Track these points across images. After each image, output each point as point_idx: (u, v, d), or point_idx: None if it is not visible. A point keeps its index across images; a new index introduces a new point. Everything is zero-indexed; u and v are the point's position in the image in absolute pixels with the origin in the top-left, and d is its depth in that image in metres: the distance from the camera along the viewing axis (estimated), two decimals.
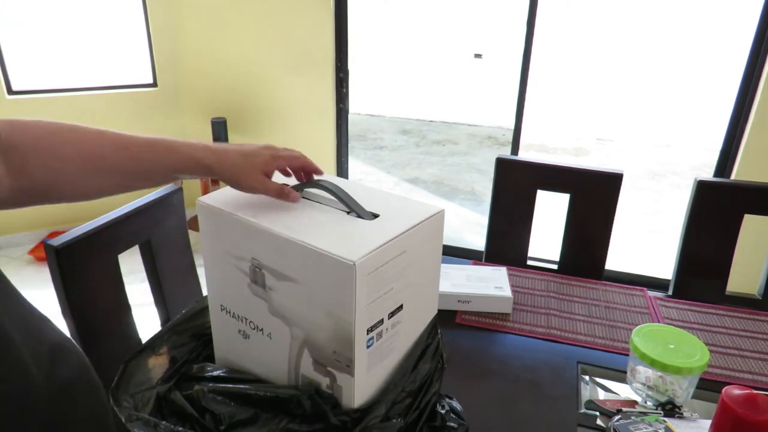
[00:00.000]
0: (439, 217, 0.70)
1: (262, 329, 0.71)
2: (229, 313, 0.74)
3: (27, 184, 0.62)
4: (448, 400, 0.77)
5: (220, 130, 3.05)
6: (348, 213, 0.69)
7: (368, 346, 0.64)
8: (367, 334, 0.63)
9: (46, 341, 0.60)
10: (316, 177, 0.75)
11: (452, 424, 0.72)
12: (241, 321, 0.73)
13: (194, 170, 0.70)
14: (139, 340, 1.20)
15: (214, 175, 0.70)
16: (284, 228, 0.63)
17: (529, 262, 1.58)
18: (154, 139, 0.69)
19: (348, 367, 0.63)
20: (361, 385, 0.65)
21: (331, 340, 0.64)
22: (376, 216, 0.68)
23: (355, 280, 0.58)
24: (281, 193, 0.70)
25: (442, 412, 0.73)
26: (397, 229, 0.64)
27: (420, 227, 0.67)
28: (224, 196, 0.72)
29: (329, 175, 0.78)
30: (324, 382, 0.67)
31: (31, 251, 2.99)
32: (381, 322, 0.65)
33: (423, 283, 0.72)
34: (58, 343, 0.62)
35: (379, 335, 0.65)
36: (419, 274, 0.70)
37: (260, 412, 0.67)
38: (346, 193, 0.70)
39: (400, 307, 0.68)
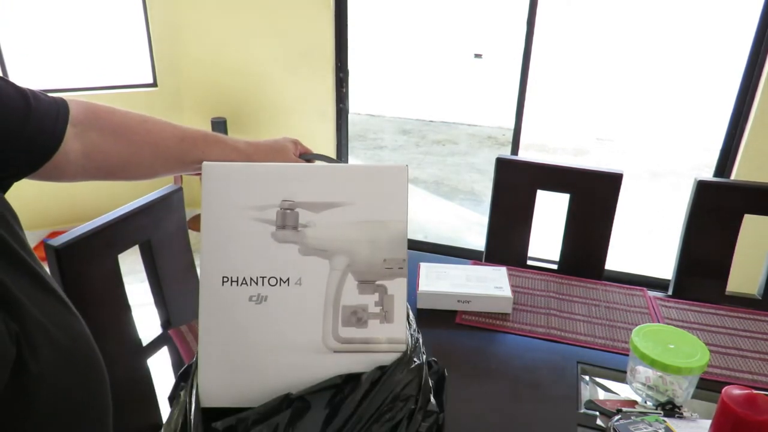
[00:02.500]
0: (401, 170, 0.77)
1: (288, 279, 0.69)
2: (237, 282, 0.68)
3: (98, 164, 0.72)
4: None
5: (220, 130, 3.05)
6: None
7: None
8: None
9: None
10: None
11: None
12: (256, 283, 0.68)
13: (237, 159, 0.83)
14: (139, 340, 1.20)
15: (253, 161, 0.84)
16: (313, 167, 0.73)
17: (529, 262, 1.58)
18: (206, 133, 0.82)
19: (401, 269, 0.69)
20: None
21: (381, 250, 0.69)
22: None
23: (407, 181, 0.69)
24: None
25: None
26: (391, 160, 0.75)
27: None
28: (228, 164, 0.74)
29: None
30: (371, 300, 0.70)
31: None
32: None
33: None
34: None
35: None
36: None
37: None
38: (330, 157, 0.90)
39: None
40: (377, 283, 0.70)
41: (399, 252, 0.69)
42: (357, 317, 0.70)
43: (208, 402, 0.67)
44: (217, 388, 0.68)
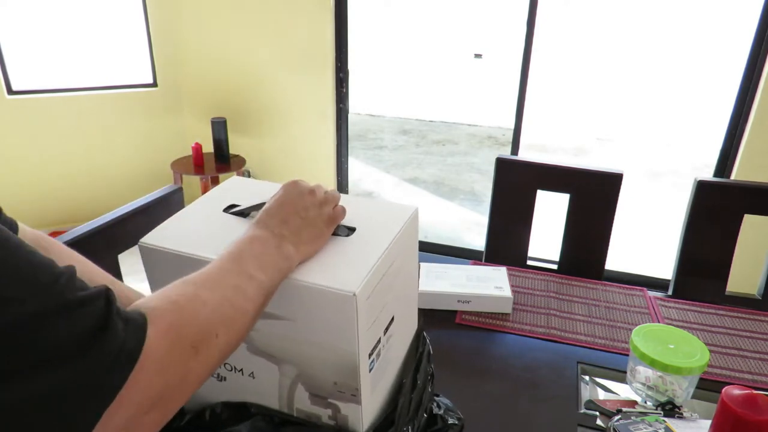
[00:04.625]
0: (414, 216, 0.68)
1: (241, 369, 0.66)
2: None
3: None
4: (436, 398, 0.77)
5: (220, 130, 3.05)
6: None
7: (370, 370, 0.62)
8: (369, 358, 0.61)
9: None
10: None
11: (452, 421, 0.72)
12: None
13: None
14: None
15: None
16: None
17: (529, 262, 1.58)
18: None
19: (354, 396, 0.60)
20: (368, 410, 0.63)
21: (331, 373, 0.61)
22: (352, 230, 0.64)
23: (356, 310, 0.55)
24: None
25: (440, 412, 0.73)
26: (382, 243, 0.61)
27: (401, 234, 0.64)
28: (169, 230, 0.65)
29: (272, 185, 0.72)
30: (325, 414, 0.64)
31: None
32: (379, 341, 0.62)
33: (407, 287, 0.70)
34: None
35: (378, 355, 0.63)
36: (403, 280, 0.68)
37: None
38: None
39: (392, 320, 0.66)
40: (329, 400, 0.62)
41: (351, 380, 0.59)
42: (312, 422, 0.65)
43: None
44: None
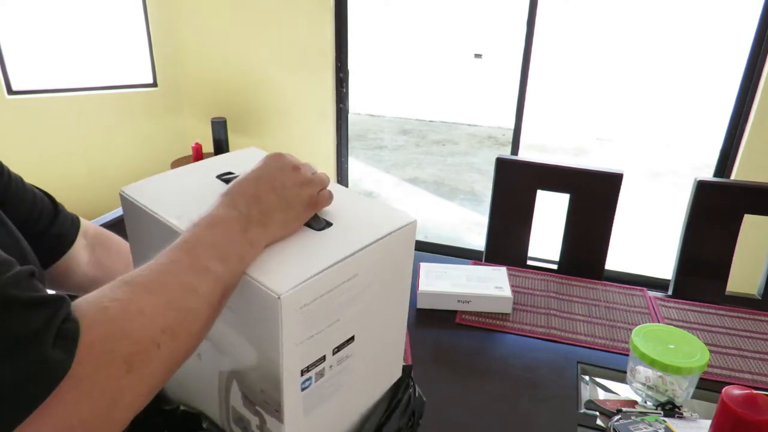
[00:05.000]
0: (408, 229, 0.57)
1: None
2: None
3: (102, 275, 0.76)
4: None
5: (220, 130, 3.04)
6: None
7: (304, 388, 0.53)
8: (302, 375, 0.52)
9: None
10: None
11: None
12: None
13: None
14: None
15: None
16: None
17: (529, 262, 1.58)
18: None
19: (277, 412, 0.52)
20: (295, 431, 0.55)
21: (258, 378, 0.53)
22: (329, 224, 0.56)
23: (280, 316, 0.47)
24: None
25: None
26: (346, 248, 0.51)
27: (380, 243, 0.54)
28: (152, 185, 0.61)
29: None
30: (254, 421, 0.56)
31: None
32: (322, 359, 0.53)
33: (386, 306, 0.60)
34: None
35: (320, 374, 0.54)
36: (380, 297, 0.58)
37: None
38: None
39: (351, 339, 0.56)
40: (258, 408, 0.55)
41: (275, 392, 0.51)
42: (243, 425, 0.59)
43: None
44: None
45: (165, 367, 0.43)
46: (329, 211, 0.57)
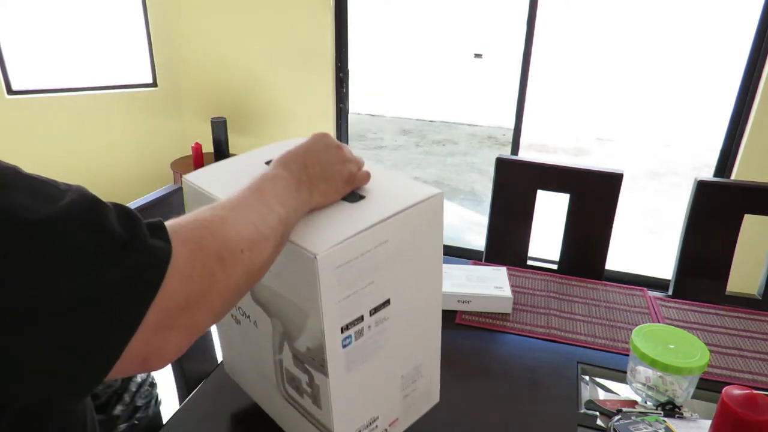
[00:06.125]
0: (435, 201, 0.62)
1: (249, 315, 0.69)
2: None
3: None
4: None
5: (220, 130, 3.04)
6: None
7: (345, 346, 0.58)
8: (342, 332, 0.57)
9: None
10: None
11: None
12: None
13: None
14: None
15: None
16: None
17: (529, 262, 1.58)
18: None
19: (322, 367, 0.58)
20: (340, 386, 0.60)
21: (305, 337, 0.59)
22: (362, 197, 0.62)
23: (318, 275, 0.52)
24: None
25: None
26: (376, 216, 0.57)
27: (408, 213, 0.60)
28: (210, 173, 0.70)
29: None
30: (303, 379, 0.63)
31: None
32: (360, 319, 0.59)
33: (419, 274, 0.66)
34: None
35: (359, 333, 0.59)
36: (412, 265, 0.63)
37: None
38: None
39: (387, 302, 0.62)
40: (306, 365, 0.61)
41: (318, 349, 0.57)
42: (295, 385, 0.65)
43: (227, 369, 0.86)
44: (228, 364, 0.86)
45: (246, 271, 0.48)
46: (368, 185, 0.64)
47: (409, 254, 0.62)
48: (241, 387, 0.83)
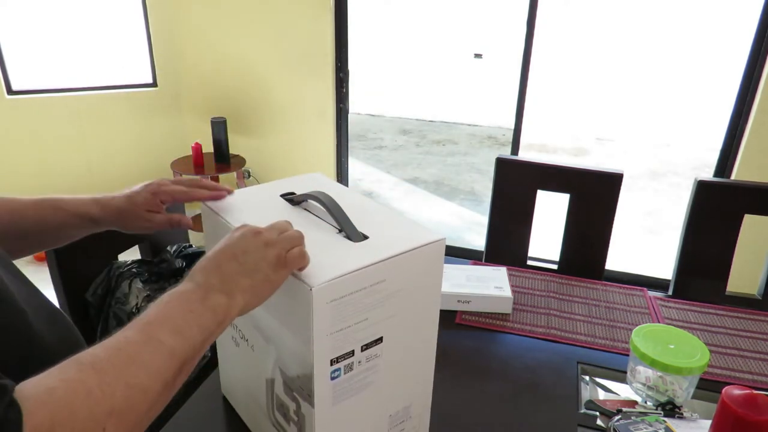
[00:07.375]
0: (436, 246, 0.65)
1: (247, 340, 0.70)
2: None
3: None
4: None
5: (220, 130, 3.04)
6: (339, 232, 0.65)
7: (333, 378, 0.60)
8: (332, 365, 0.59)
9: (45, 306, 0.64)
10: (313, 191, 0.71)
11: None
12: (233, 327, 0.74)
13: (81, 225, 0.75)
14: None
15: (101, 226, 0.75)
16: None
17: (529, 262, 1.58)
18: (41, 199, 0.72)
19: (309, 397, 0.59)
20: (325, 418, 0.61)
21: (295, 366, 0.60)
22: (365, 237, 0.64)
23: (312, 306, 0.54)
24: (171, 223, 0.75)
25: None
26: (376, 256, 0.59)
27: (408, 256, 0.62)
28: (231, 200, 0.74)
29: (337, 186, 0.78)
30: (291, 407, 0.64)
31: None
32: (351, 353, 0.60)
33: (414, 316, 0.67)
34: (54, 310, 0.65)
35: (349, 367, 0.61)
36: (408, 306, 0.65)
37: None
38: (341, 209, 0.66)
39: (379, 340, 0.63)
40: (295, 394, 0.62)
41: (307, 379, 0.59)
42: (284, 411, 0.66)
43: (224, 389, 0.87)
44: (224, 384, 0.87)
45: None
46: (371, 226, 0.66)
47: (406, 295, 0.64)
48: (234, 408, 0.84)
